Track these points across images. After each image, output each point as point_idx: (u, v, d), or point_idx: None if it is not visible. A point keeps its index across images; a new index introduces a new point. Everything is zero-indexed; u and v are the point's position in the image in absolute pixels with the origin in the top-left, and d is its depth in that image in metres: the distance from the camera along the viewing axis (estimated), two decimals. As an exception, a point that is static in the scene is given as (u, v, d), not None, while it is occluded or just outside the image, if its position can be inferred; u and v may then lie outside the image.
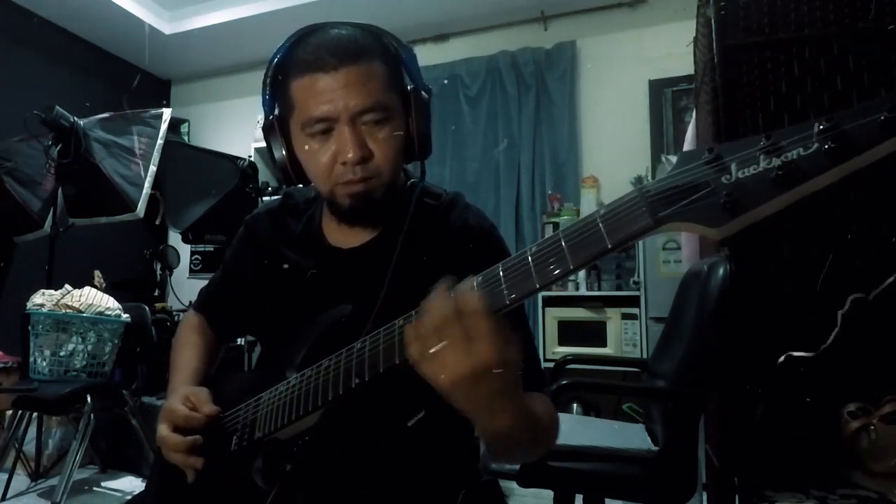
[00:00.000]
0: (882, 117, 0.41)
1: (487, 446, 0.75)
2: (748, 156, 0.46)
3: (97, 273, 2.96)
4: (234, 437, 0.84)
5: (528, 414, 0.65)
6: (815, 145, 0.43)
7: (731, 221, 0.46)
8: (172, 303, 3.60)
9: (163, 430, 0.83)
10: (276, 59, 0.87)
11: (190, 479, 0.82)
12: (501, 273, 0.58)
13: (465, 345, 0.55)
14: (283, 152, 0.89)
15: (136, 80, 4.40)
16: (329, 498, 0.85)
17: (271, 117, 0.89)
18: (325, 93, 0.80)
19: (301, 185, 0.93)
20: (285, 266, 0.96)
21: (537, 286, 0.56)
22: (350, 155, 0.80)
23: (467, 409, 0.60)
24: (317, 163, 0.84)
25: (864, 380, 1.46)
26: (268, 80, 0.89)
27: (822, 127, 0.43)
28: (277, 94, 0.88)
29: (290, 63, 0.84)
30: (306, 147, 0.84)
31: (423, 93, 0.89)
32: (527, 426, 0.66)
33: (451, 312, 0.55)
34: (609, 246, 0.51)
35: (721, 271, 1.39)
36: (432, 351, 0.56)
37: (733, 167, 0.46)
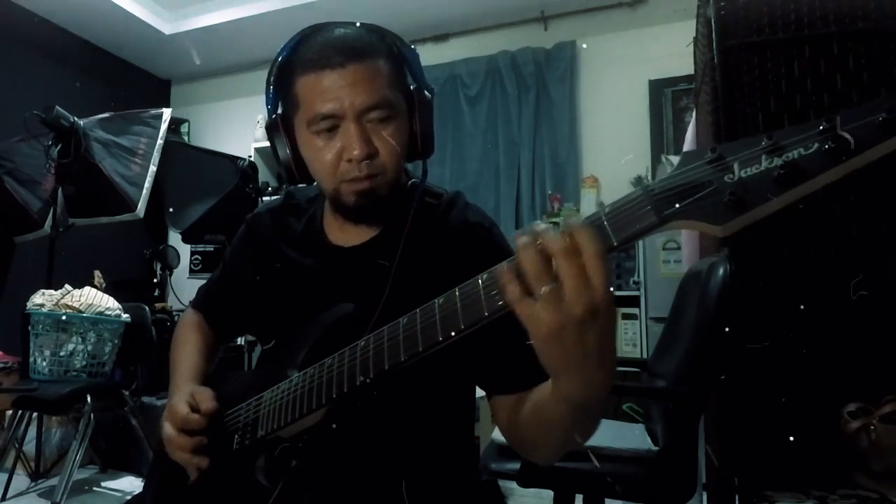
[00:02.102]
0: (881, 117, 0.42)
1: (539, 431, 0.71)
2: (750, 155, 0.46)
3: (97, 273, 2.96)
4: (236, 436, 0.84)
5: (614, 377, 0.59)
6: (816, 145, 0.44)
7: (735, 219, 0.46)
8: (172, 303, 3.60)
9: (167, 429, 0.83)
10: (280, 58, 0.87)
11: (193, 479, 0.82)
12: (506, 269, 0.58)
13: (581, 281, 0.50)
14: (288, 150, 0.89)
15: (136, 80, 4.41)
16: (332, 496, 0.85)
17: (275, 115, 0.89)
18: (332, 90, 0.80)
19: (304, 184, 0.93)
20: (286, 265, 0.96)
21: None
22: (356, 152, 0.80)
23: (564, 361, 0.55)
24: (322, 160, 0.84)
25: (864, 380, 1.46)
26: (272, 79, 0.89)
27: (822, 127, 0.44)
28: (282, 92, 0.88)
29: (296, 61, 0.84)
30: (311, 144, 0.84)
31: (426, 92, 0.89)
32: (605, 394, 0.60)
33: (567, 249, 0.50)
34: (615, 244, 0.51)
35: (721, 271, 1.39)
36: (544, 290, 0.51)
37: (736, 166, 0.47)
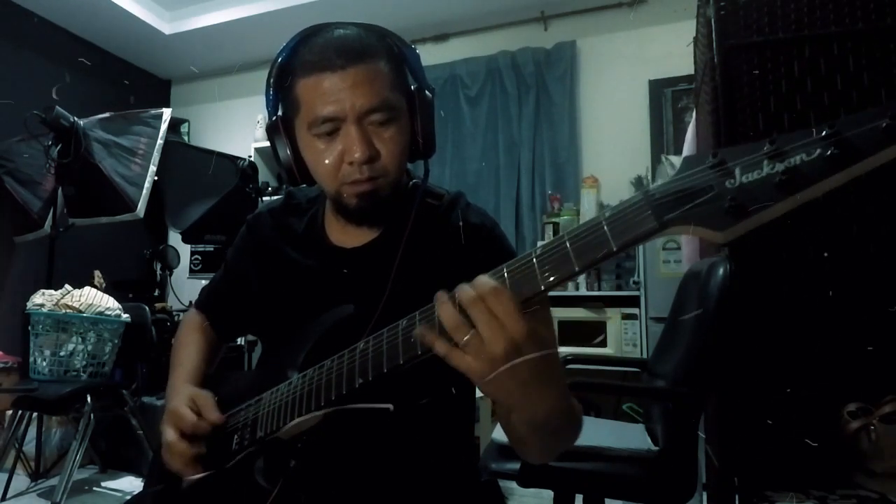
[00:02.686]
0: (884, 124, 0.42)
1: (521, 441, 0.74)
2: (752, 161, 0.46)
3: (97, 273, 2.97)
4: (236, 437, 0.84)
5: (567, 395, 0.66)
6: (818, 151, 0.44)
7: (735, 225, 0.46)
8: (172, 303, 3.60)
9: (170, 434, 0.83)
10: (280, 60, 0.87)
11: (185, 486, 0.82)
12: (506, 274, 0.58)
13: (495, 325, 0.55)
14: (288, 152, 0.89)
15: (136, 80, 4.41)
16: (330, 497, 0.85)
17: (275, 117, 0.89)
18: (332, 92, 0.80)
19: (305, 186, 0.93)
20: (287, 265, 0.96)
21: (542, 288, 0.56)
22: (357, 154, 0.80)
23: (507, 396, 0.60)
24: (323, 163, 0.84)
25: (864, 380, 1.46)
26: (272, 81, 0.88)
27: (824, 133, 0.44)
28: (282, 94, 0.88)
29: (296, 63, 0.84)
30: (312, 147, 0.84)
31: (426, 92, 0.89)
32: (565, 410, 0.67)
33: (474, 298, 0.56)
34: (614, 249, 0.52)
35: (721, 271, 1.39)
36: (465, 339, 0.56)
37: (737, 172, 0.47)
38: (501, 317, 0.55)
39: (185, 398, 0.86)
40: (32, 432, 2.74)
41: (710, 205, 0.47)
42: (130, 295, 3.26)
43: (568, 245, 0.55)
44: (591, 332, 3.00)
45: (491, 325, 0.55)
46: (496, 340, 0.55)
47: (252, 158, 3.51)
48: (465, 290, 0.57)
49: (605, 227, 0.52)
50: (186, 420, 0.82)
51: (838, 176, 0.43)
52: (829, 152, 0.43)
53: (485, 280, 0.57)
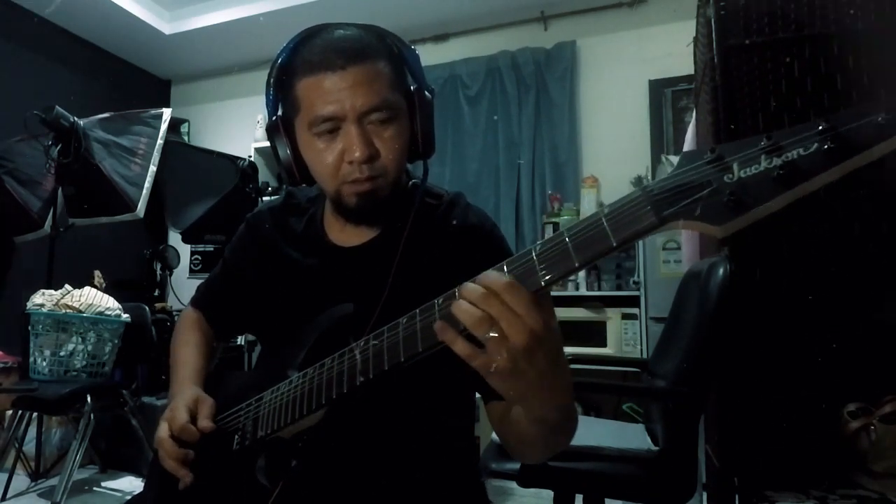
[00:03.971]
0: (880, 118, 0.42)
1: (522, 440, 0.75)
2: (750, 155, 0.46)
3: (97, 273, 2.97)
4: (236, 437, 0.84)
5: (572, 388, 0.66)
6: (815, 145, 0.44)
7: (734, 219, 0.47)
8: (172, 303, 3.60)
9: (162, 431, 0.83)
10: (280, 60, 0.87)
11: (181, 488, 0.82)
12: (506, 270, 0.58)
13: (514, 319, 0.55)
14: (288, 152, 0.89)
15: (136, 80, 4.41)
16: (332, 496, 0.86)
17: (276, 117, 0.89)
18: (333, 92, 0.80)
19: (305, 185, 0.93)
20: (286, 264, 0.96)
21: (542, 284, 0.56)
22: (357, 154, 0.81)
23: (524, 389, 0.60)
24: (323, 162, 0.84)
25: (864, 380, 1.46)
26: (272, 80, 0.89)
27: (821, 127, 0.44)
28: (282, 94, 0.88)
29: (296, 63, 0.84)
30: (312, 146, 0.85)
31: (426, 93, 0.89)
32: (570, 403, 0.68)
33: (488, 294, 0.56)
34: (614, 244, 0.52)
35: (721, 271, 1.39)
36: (487, 335, 0.56)
37: (735, 167, 0.47)
38: (519, 311, 0.55)
39: (188, 399, 0.86)
40: (32, 432, 2.74)
41: (709, 199, 0.47)
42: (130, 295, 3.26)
43: (567, 241, 0.55)
44: (591, 332, 3.00)
45: (510, 320, 0.55)
46: (517, 333, 0.55)
47: (252, 158, 3.52)
48: (477, 288, 0.57)
49: (605, 223, 0.52)
50: (177, 421, 0.82)
51: (835, 170, 0.43)
52: (825, 146, 0.43)
53: (496, 275, 0.57)
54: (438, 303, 0.63)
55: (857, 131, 0.43)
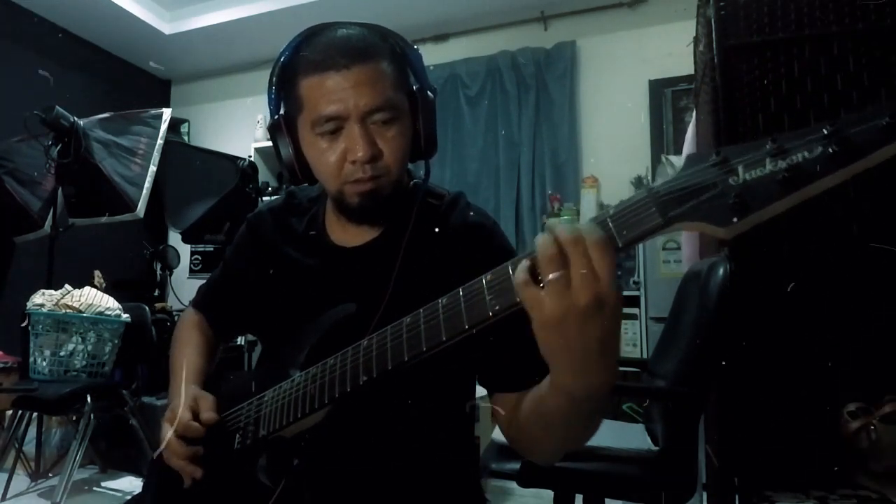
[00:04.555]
0: (884, 122, 0.42)
1: (547, 427, 0.70)
2: (755, 158, 0.47)
3: (97, 273, 2.96)
4: (238, 436, 0.84)
5: (615, 376, 0.60)
6: (820, 149, 0.44)
7: (740, 221, 0.47)
8: (172, 303, 3.60)
9: (165, 431, 0.83)
10: (283, 58, 0.87)
11: (187, 485, 0.82)
12: (511, 271, 0.58)
13: (589, 273, 0.51)
14: (291, 151, 0.89)
15: (136, 80, 4.40)
16: (333, 495, 0.86)
17: (278, 116, 0.89)
18: (336, 92, 0.80)
19: (307, 185, 0.93)
20: (288, 265, 0.96)
21: None
22: (360, 154, 0.80)
23: (563, 353, 0.56)
24: (325, 162, 0.84)
25: (864, 380, 1.46)
26: (275, 79, 0.89)
27: (826, 131, 0.44)
28: (285, 93, 0.88)
29: (299, 62, 0.84)
30: (315, 146, 0.84)
31: (428, 93, 0.89)
32: (607, 392, 0.60)
33: (576, 238, 0.52)
34: (619, 245, 0.52)
35: (721, 271, 1.39)
36: (553, 275, 0.52)
37: (741, 169, 0.47)
38: (597, 267, 0.51)
39: (188, 398, 0.86)
40: (32, 432, 2.74)
41: (714, 201, 0.48)
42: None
43: None
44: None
45: (584, 272, 0.51)
46: (584, 288, 0.51)
47: (252, 158, 3.52)
48: (567, 228, 0.53)
49: (610, 224, 0.53)
50: (181, 420, 0.82)
51: (840, 173, 0.43)
52: (830, 150, 0.44)
53: (591, 227, 0.53)
54: (442, 303, 0.63)
55: (862, 135, 0.43)
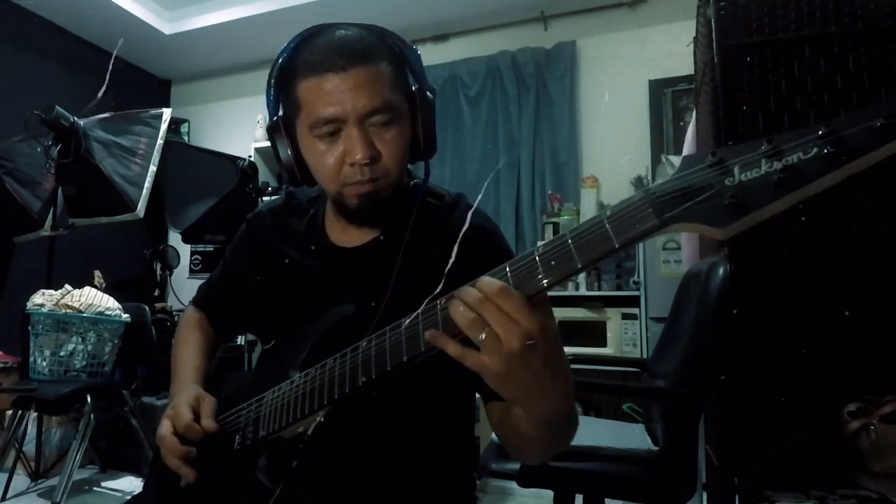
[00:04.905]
0: (879, 123, 0.42)
1: (523, 440, 0.74)
2: (751, 159, 0.47)
3: (97, 273, 2.97)
4: (237, 436, 0.84)
5: (573, 389, 0.66)
6: (815, 149, 0.44)
7: (735, 222, 0.47)
8: (172, 303, 3.60)
9: (164, 428, 0.83)
10: (281, 60, 0.87)
11: (183, 485, 0.82)
12: (508, 272, 0.59)
13: (508, 322, 0.55)
14: (289, 152, 0.89)
15: (136, 80, 4.40)
16: (332, 496, 0.86)
17: (277, 118, 0.89)
18: (334, 94, 0.80)
19: (306, 185, 0.93)
20: (287, 265, 0.96)
21: (544, 285, 0.56)
22: (359, 156, 0.80)
23: (522, 391, 0.60)
24: (324, 164, 0.84)
25: (864, 380, 1.46)
26: (273, 81, 0.89)
27: (821, 132, 0.44)
28: (283, 95, 0.88)
29: (297, 64, 0.84)
30: (314, 148, 0.84)
31: (428, 93, 0.89)
32: (570, 405, 0.68)
33: (482, 299, 0.56)
34: (616, 246, 0.52)
35: (721, 271, 1.39)
36: (480, 337, 0.57)
37: (736, 170, 0.47)
38: (513, 315, 0.55)
39: (190, 397, 0.86)
40: (32, 432, 2.74)
41: (711, 202, 0.48)
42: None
43: (570, 243, 0.55)
44: (591, 332, 3.00)
45: (503, 323, 0.56)
46: (511, 336, 0.55)
47: (252, 158, 3.51)
48: (472, 292, 0.57)
49: (607, 225, 0.53)
50: (182, 419, 0.82)
51: (835, 173, 0.44)
52: (825, 150, 0.44)
53: (490, 280, 0.57)
54: (441, 303, 0.63)
55: (857, 135, 0.43)
